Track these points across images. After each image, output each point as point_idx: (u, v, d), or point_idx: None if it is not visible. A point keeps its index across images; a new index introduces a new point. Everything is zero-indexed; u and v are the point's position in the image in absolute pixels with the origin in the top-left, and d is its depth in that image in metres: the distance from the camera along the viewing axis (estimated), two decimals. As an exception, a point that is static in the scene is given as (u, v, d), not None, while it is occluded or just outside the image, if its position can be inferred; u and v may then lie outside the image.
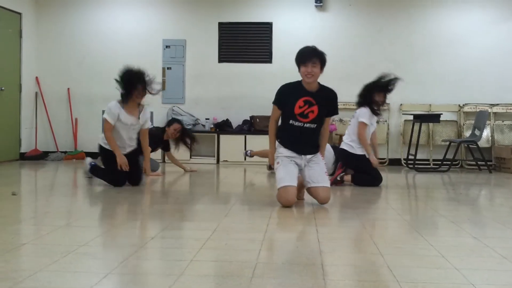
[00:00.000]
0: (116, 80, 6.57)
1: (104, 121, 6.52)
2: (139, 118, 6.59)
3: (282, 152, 5.32)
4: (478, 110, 9.83)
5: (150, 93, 6.62)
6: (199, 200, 5.86)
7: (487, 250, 3.62)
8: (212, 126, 10.18)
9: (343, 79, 9.62)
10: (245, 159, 9.38)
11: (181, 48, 10.44)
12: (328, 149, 7.27)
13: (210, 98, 10.42)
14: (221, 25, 10.44)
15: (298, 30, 10.23)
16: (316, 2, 10.15)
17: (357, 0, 10.30)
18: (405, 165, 9.94)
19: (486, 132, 9.85)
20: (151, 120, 7.59)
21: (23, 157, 10.10)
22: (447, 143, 9.63)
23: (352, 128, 7.14)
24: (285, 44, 10.16)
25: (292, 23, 10.34)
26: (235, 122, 10.29)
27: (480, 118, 9.32)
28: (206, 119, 10.22)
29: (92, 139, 10.37)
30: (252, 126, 10.10)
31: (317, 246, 3.65)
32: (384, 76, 7.16)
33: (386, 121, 10.15)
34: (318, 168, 5.32)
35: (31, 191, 6.79)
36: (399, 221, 4.81)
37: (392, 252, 3.50)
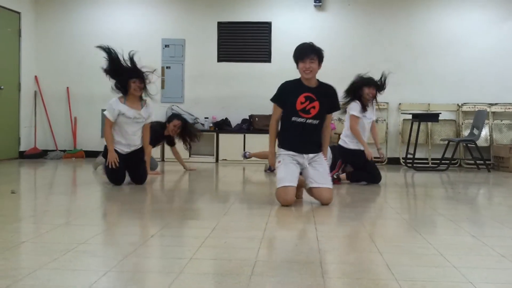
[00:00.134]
0: (107, 72, 6.61)
1: (105, 117, 6.56)
2: (141, 111, 6.61)
3: (284, 151, 5.33)
4: (476, 109, 9.84)
5: (145, 83, 6.63)
6: (198, 198, 5.87)
7: (485, 248, 3.63)
8: (211, 125, 10.19)
9: (343, 79, 9.55)
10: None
11: (180, 47, 10.45)
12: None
13: (209, 97, 10.43)
14: (220, 25, 10.45)
15: (297, 30, 10.24)
16: (315, 2, 10.16)
17: (356, 0, 10.31)
18: (404, 164, 9.95)
19: (485, 131, 9.87)
20: None
21: (23, 155, 10.12)
22: (446, 142, 9.65)
23: (346, 124, 7.23)
24: (284, 43, 10.16)
25: (291, 23, 10.35)
26: (234, 121, 10.30)
27: (479, 118, 9.33)
28: (205, 118, 10.24)
29: (91, 138, 10.43)
30: (251, 125, 10.11)
31: (316, 244, 3.66)
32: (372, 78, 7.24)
33: (385, 120, 10.16)
34: (322, 169, 5.33)
35: (30, 189, 6.79)
36: (398, 220, 4.81)
37: (391, 251, 3.51)
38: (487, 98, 10.08)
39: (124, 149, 6.60)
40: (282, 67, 9.69)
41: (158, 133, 7.72)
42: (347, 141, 7.13)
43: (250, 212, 5.11)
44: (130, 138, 6.61)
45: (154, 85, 6.92)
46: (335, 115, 8.58)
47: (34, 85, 10.51)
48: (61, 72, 10.56)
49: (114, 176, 6.55)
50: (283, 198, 5.16)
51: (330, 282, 2.82)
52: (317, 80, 5.36)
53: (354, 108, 7.07)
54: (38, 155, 10.18)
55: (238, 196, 6.18)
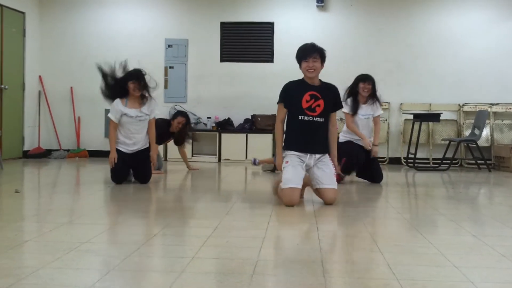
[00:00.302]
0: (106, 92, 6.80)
1: (110, 120, 6.67)
2: (142, 108, 6.65)
3: (291, 152, 5.35)
4: (477, 109, 9.84)
5: (145, 85, 6.69)
6: (200, 198, 5.89)
7: (486, 248, 3.64)
8: (213, 124, 10.21)
9: (345, 79, 9.58)
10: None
11: (183, 47, 10.47)
12: None
13: (212, 97, 10.44)
14: (223, 25, 10.47)
15: (299, 30, 10.24)
16: (317, 2, 10.16)
17: (358, 1, 10.32)
18: (405, 164, 9.96)
19: (486, 131, 9.87)
20: None
21: (26, 155, 10.14)
22: (447, 142, 9.65)
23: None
24: (287, 44, 10.16)
25: (293, 23, 10.35)
26: (237, 121, 10.31)
27: (480, 118, 9.33)
28: (208, 117, 10.25)
29: (94, 137, 10.45)
30: (253, 125, 10.13)
31: (318, 243, 3.67)
32: None
33: (386, 120, 10.17)
34: (328, 170, 5.35)
35: (34, 188, 6.81)
36: (399, 220, 4.82)
37: (392, 250, 3.52)
38: (488, 98, 10.08)
39: (129, 149, 6.67)
40: (284, 67, 9.72)
41: (162, 130, 7.67)
42: (340, 136, 7.18)
43: (252, 211, 5.13)
44: (134, 137, 6.67)
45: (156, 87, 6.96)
46: (338, 115, 8.58)
47: (38, 85, 10.54)
48: (65, 72, 10.58)
49: (116, 175, 6.61)
50: (289, 198, 5.18)
51: (332, 281, 2.84)
52: (320, 80, 5.41)
53: (345, 105, 7.11)
54: (41, 155, 10.21)
55: (240, 196, 6.20)
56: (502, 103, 10.06)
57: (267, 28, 10.40)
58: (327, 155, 5.43)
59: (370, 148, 7.11)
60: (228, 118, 10.28)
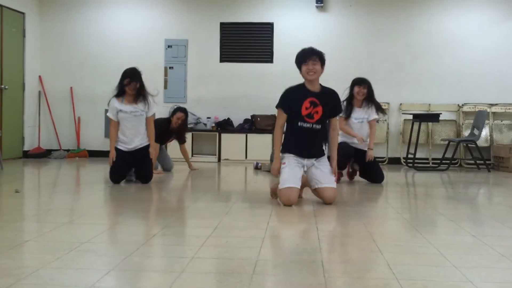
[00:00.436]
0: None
1: (109, 118, 6.77)
2: (137, 104, 6.69)
3: (289, 154, 5.37)
4: (477, 109, 9.85)
5: (141, 84, 6.73)
6: (200, 198, 5.89)
7: (485, 248, 3.65)
8: (213, 125, 10.21)
9: (345, 79, 9.60)
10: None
11: (183, 47, 10.47)
12: None
13: (211, 97, 10.44)
14: (223, 25, 10.47)
15: (299, 31, 10.25)
16: (317, 3, 10.16)
17: (358, 1, 10.32)
18: (404, 164, 9.96)
19: (485, 132, 9.87)
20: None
21: (26, 155, 10.14)
22: (446, 142, 9.65)
23: None
24: (286, 44, 10.19)
25: (293, 24, 10.36)
26: (236, 121, 10.32)
27: (479, 118, 9.34)
28: (208, 118, 10.25)
29: (94, 137, 10.45)
30: (253, 125, 10.13)
31: (317, 243, 3.68)
32: None
33: (386, 120, 10.17)
34: (326, 170, 5.38)
35: (34, 188, 6.82)
36: (398, 219, 4.83)
37: (392, 250, 3.53)
38: (487, 98, 10.08)
39: (128, 146, 6.70)
40: (284, 68, 9.75)
41: (162, 128, 7.66)
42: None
43: (251, 211, 5.13)
44: (131, 134, 6.69)
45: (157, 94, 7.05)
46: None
47: (38, 85, 10.54)
48: (65, 72, 10.59)
49: (114, 173, 6.63)
50: (287, 198, 5.19)
51: (331, 281, 2.84)
52: (320, 84, 5.40)
53: None
54: (42, 155, 10.21)
55: (240, 196, 6.20)
56: (501, 104, 10.07)
57: (267, 29, 10.40)
58: (324, 156, 5.46)
59: (363, 142, 7.12)
60: (228, 118, 10.28)
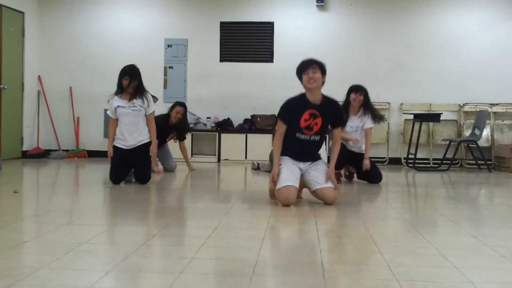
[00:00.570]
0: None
1: (109, 117, 6.81)
2: (134, 101, 6.65)
3: (286, 157, 5.38)
4: (478, 109, 9.84)
5: (139, 82, 6.71)
6: (200, 198, 5.88)
7: (486, 249, 3.64)
8: (213, 125, 10.20)
9: (344, 79, 9.62)
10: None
11: (183, 47, 10.46)
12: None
13: (211, 97, 10.44)
14: (223, 25, 10.46)
15: (299, 30, 10.25)
16: (317, 2, 10.15)
17: (358, 0, 10.31)
18: (405, 164, 9.95)
19: (486, 132, 9.86)
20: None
21: (25, 155, 10.13)
22: (447, 142, 9.64)
23: None
24: (287, 43, 10.19)
25: (293, 23, 10.34)
26: (236, 121, 10.30)
27: (480, 118, 9.33)
28: (208, 118, 10.24)
29: (93, 137, 10.44)
30: (253, 125, 10.12)
31: (317, 244, 3.67)
32: None
33: (386, 120, 10.15)
34: (322, 171, 5.39)
35: (33, 189, 6.81)
36: (399, 220, 4.82)
37: (392, 251, 3.52)
38: (489, 98, 10.08)
39: (126, 144, 6.63)
40: (284, 67, 9.73)
41: (161, 124, 7.54)
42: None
43: (251, 212, 5.12)
44: (129, 130, 6.62)
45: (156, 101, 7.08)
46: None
47: (37, 84, 10.53)
48: (64, 72, 10.58)
49: (113, 174, 6.61)
50: (285, 197, 5.18)
51: (331, 282, 2.83)
52: (322, 94, 5.37)
53: None
54: (40, 155, 10.20)
55: (240, 196, 6.19)
56: (502, 103, 10.06)
57: (267, 28, 10.39)
58: (321, 159, 5.50)
59: (357, 143, 7.10)
60: (228, 118, 10.27)
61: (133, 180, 6.83)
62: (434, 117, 9.41)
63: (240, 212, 5.05)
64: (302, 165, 5.40)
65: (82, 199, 5.88)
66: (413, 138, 9.43)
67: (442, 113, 9.46)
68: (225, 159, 10.01)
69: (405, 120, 10.15)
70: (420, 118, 9.32)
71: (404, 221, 4.77)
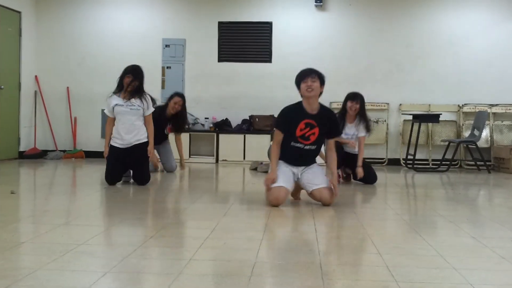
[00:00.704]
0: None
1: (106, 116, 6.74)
2: (133, 100, 6.58)
3: (280, 161, 5.39)
4: (477, 110, 9.83)
5: (140, 83, 6.66)
6: (198, 199, 5.86)
7: (485, 250, 3.63)
8: (211, 125, 10.18)
9: (343, 80, 9.63)
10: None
11: (181, 47, 10.44)
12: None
13: (209, 97, 10.42)
14: (221, 24, 10.44)
15: (298, 30, 10.23)
16: (316, 2, 10.14)
17: (357, 0, 10.30)
18: (404, 165, 9.94)
19: (485, 132, 9.85)
20: None
21: (22, 155, 10.10)
22: (446, 143, 9.63)
23: None
24: (285, 43, 10.18)
25: (292, 23, 10.33)
26: (235, 121, 10.29)
27: (479, 118, 9.33)
28: (206, 118, 10.23)
29: (91, 138, 10.42)
30: (251, 126, 10.10)
31: (316, 245, 3.67)
32: None
33: (385, 121, 10.15)
34: (318, 171, 5.39)
35: (30, 189, 6.79)
36: (398, 221, 4.82)
37: (391, 252, 3.51)
38: (488, 99, 10.07)
39: (122, 143, 6.54)
40: (282, 67, 9.74)
41: (157, 113, 7.37)
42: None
43: (249, 213, 5.11)
44: (125, 128, 6.53)
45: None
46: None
47: (34, 84, 10.50)
48: (61, 72, 10.56)
49: (109, 174, 6.54)
50: (275, 197, 5.17)
51: (330, 284, 2.82)
52: (319, 104, 5.38)
53: None
54: (37, 155, 10.17)
55: (238, 197, 6.19)
56: (501, 104, 10.06)
57: (265, 28, 10.37)
58: (315, 163, 5.49)
59: (354, 146, 7.10)
60: (226, 119, 10.26)
61: (131, 181, 6.79)
62: (433, 118, 9.40)
63: (239, 213, 5.04)
64: (296, 169, 5.39)
65: (79, 200, 5.87)
66: (412, 139, 9.42)
67: (441, 114, 9.46)
68: (223, 160, 9.99)
69: (404, 120, 10.14)
70: (419, 118, 9.31)
71: (403, 222, 4.76)
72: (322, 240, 3.85)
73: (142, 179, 6.64)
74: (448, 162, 9.41)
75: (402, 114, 10.17)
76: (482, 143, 9.73)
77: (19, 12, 10.05)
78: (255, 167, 8.83)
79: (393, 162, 10.14)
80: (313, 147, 5.36)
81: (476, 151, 9.31)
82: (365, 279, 2.96)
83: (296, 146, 5.31)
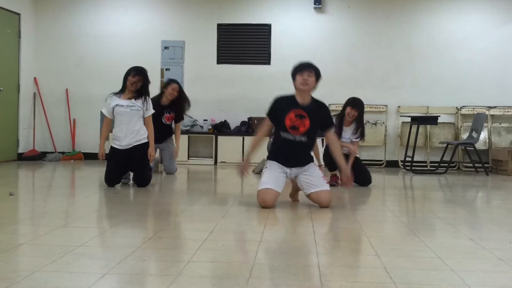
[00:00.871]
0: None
1: (103, 116, 6.69)
2: (134, 100, 6.53)
3: (273, 162, 5.39)
4: (475, 112, 9.85)
5: (145, 84, 6.63)
6: (196, 201, 5.86)
7: (483, 252, 3.63)
8: (210, 127, 10.19)
9: (341, 82, 9.65)
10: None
11: (180, 49, 10.45)
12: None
13: (208, 99, 10.42)
14: (220, 27, 10.45)
15: (297, 32, 10.24)
16: (315, 4, 10.15)
17: (356, 3, 10.31)
18: (402, 167, 9.95)
19: (483, 135, 9.87)
20: None
21: (21, 157, 10.10)
22: (445, 145, 9.64)
23: None
24: (284, 46, 10.19)
25: (290, 25, 10.34)
26: (233, 123, 10.29)
27: (478, 121, 9.34)
28: (204, 120, 10.23)
29: (90, 140, 10.41)
30: (250, 128, 10.10)
31: (314, 247, 3.66)
32: None
33: (383, 123, 10.16)
34: (316, 174, 5.37)
35: (28, 191, 6.79)
36: (396, 223, 4.81)
37: (389, 254, 3.51)
38: (486, 101, 10.09)
39: (121, 143, 6.50)
40: (281, 69, 9.72)
41: (153, 102, 7.10)
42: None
43: (248, 214, 5.10)
44: (125, 129, 6.48)
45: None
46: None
47: (33, 86, 10.51)
48: (60, 74, 10.56)
49: (108, 176, 6.52)
50: (262, 199, 5.18)
51: (328, 285, 2.82)
52: (311, 97, 5.37)
53: None
54: (36, 157, 10.17)
55: (236, 199, 6.18)
56: (500, 106, 10.07)
57: (264, 30, 10.39)
58: (311, 163, 5.45)
59: (355, 151, 7.13)
60: (225, 121, 10.26)
61: (130, 182, 6.79)
62: (431, 120, 9.41)
63: (237, 215, 5.04)
64: (290, 170, 5.35)
65: (78, 202, 5.86)
66: (411, 141, 9.43)
67: (439, 116, 9.48)
68: (221, 162, 10.00)
69: (403, 122, 10.15)
70: (418, 120, 9.32)
71: (401, 224, 4.76)
72: (320, 242, 3.85)
73: (142, 180, 6.62)
74: (446, 164, 9.42)
75: (401, 116, 10.18)
76: (480, 145, 9.74)
77: (18, 14, 10.06)
78: (260, 170, 8.65)
79: (392, 164, 10.15)
80: (304, 139, 5.28)
81: (474, 153, 9.32)
82: (363, 281, 2.96)
83: (286, 137, 5.27)
